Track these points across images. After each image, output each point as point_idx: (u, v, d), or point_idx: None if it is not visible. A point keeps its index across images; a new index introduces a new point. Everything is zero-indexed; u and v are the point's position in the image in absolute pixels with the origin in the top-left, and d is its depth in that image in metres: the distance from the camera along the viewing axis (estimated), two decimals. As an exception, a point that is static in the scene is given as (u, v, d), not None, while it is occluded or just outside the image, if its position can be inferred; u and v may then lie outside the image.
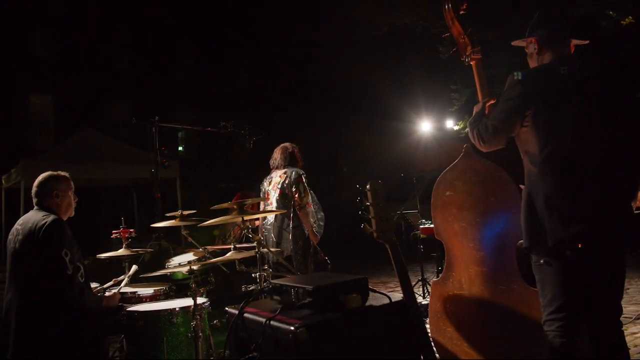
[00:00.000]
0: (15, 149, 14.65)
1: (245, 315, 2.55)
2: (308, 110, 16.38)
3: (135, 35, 17.93)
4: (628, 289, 6.36)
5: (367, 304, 2.47)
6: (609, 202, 2.56)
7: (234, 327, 2.56)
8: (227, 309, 2.71)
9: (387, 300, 2.48)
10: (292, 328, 2.18)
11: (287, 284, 2.54)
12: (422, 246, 7.23)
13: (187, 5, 16.49)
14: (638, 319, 5.08)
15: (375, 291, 2.59)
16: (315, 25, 14.09)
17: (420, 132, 13.29)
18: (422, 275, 6.93)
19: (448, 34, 3.58)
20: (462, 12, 3.49)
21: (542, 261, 2.63)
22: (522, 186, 2.83)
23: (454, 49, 3.57)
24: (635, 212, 4.08)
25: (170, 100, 17.13)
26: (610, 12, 9.03)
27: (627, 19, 9.06)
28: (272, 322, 2.33)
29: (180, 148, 19.42)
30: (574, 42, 2.85)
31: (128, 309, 3.55)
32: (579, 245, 2.51)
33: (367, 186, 2.53)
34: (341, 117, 16.44)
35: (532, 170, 2.69)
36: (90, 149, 10.41)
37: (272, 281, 2.70)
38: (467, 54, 3.44)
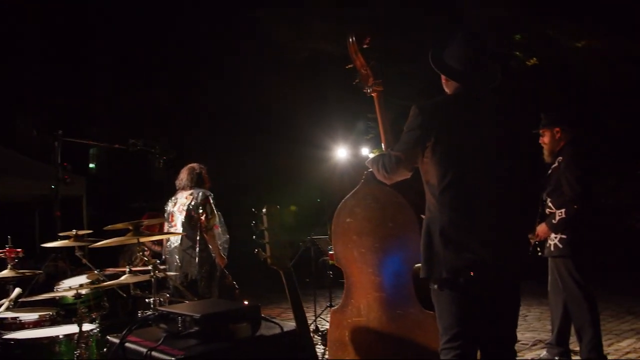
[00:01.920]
0: None
1: (127, 344, 2.38)
2: (225, 132, 16.17)
3: (50, 46, 17.16)
4: (527, 315, 6.59)
5: (258, 333, 2.37)
6: (504, 232, 2.61)
7: (114, 357, 2.38)
8: (108, 337, 2.53)
9: (279, 330, 2.38)
10: (174, 359, 2.05)
11: (174, 311, 2.40)
12: (331, 272, 7.22)
13: (105, 19, 15.99)
14: (535, 345, 5.24)
15: (268, 320, 2.50)
16: (234, 47, 14.00)
17: (336, 158, 13.41)
18: (331, 302, 6.88)
19: (351, 66, 3.67)
20: (365, 46, 3.61)
21: (438, 290, 2.64)
22: (423, 216, 2.86)
23: (357, 80, 3.66)
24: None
25: (85, 115, 16.44)
26: (517, 53, 9.57)
27: (532, 60, 9.63)
28: (153, 353, 2.18)
29: (91, 165, 18.62)
30: None
31: (4, 337, 3.25)
32: (472, 274, 2.54)
33: (263, 209, 2.46)
34: (257, 140, 16.32)
35: (431, 201, 2.72)
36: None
37: (159, 308, 2.55)
38: (369, 84, 3.58)
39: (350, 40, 3.61)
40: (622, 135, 11.56)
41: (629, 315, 6.98)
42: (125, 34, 15.36)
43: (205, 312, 2.29)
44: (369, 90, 3.59)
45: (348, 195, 3.49)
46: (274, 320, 2.51)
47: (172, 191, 5.41)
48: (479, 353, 2.74)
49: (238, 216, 5.57)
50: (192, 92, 15.26)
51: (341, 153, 12.97)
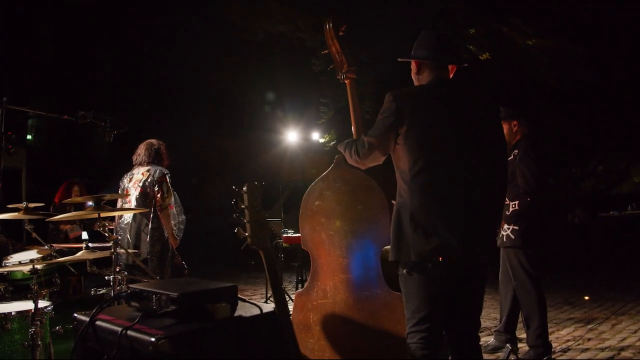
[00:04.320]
0: None
1: (98, 323, 2.27)
2: (172, 110, 15.76)
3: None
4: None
5: (237, 314, 2.32)
6: (472, 218, 2.65)
7: (83, 336, 2.28)
8: (75, 315, 2.41)
9: (257, 311, 2.34)
10: (153, 339, 1.97)
11: (149, 289, 2.31)
12: (282, 255, 7.23)
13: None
14: (481, 332, 5.40)
15: (245, 300, 2.45)
16: (185, 24, 13.60)
17: (287, 142, 13.37)
18: (281, 284, 6.89)
19: (327, 51, 3.70)
20: (341, 33, 3.65)
21: (406, 274, 2.67)
22: (394, 201, 2.88)
23: (332, 66, 3.72)
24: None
25: (24, 84, 15.63)
26: (471, 47, 9.76)
27: (484, 55, 9.85)
28: (129, 332, 2.09)
29: (29, 136, 17.79)
30: (453, 66, 2.95)
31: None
32: (440, 259, 2.58)
33: (244, 188, 2.40)
34: (206, 122, 15.99)
35: (402, 187, 2.74)
36: None
37: (132, 286, 2.45)
38: (343, 71, 3.63)
39: (327, 26, 3.63)
40: (563, 134, 12.03)
41: (566, 305, 7.31)
42: (72, 5, 14.68)
43: (182, 290, 2.22)
44: (342, 77, 3.62)
45: (317, 179, 3.47)
46: (250, 301, 2.46)
47: (114, 166, 5.24)
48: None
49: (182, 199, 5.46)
50: (138, 69, 14.77)
51: (292, 137, 12.97)
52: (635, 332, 5.56)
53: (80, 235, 6.19)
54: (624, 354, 4.70)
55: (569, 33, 9.61)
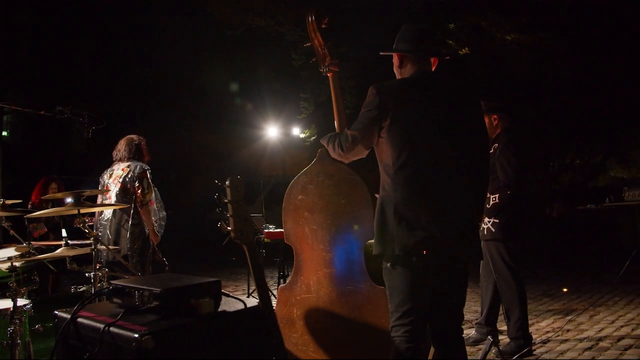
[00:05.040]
0: None
1: (79, 320, 2.24)
2: (152, 106, 15.59)
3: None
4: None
5: (221, 309, 2.30)
6: (455, 211, 2.66)
7: (65, 333, 2.24)
8: (56, 312, 2.37)
9: (241, 306, 2.33)
10: (136, 335, 1.95)
11: (131, 285, 2.28)
12: (264, 250, 7.21)
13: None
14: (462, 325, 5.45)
15: (229, 295, 2.44)
16: (165, 18, 13.44)
17: (267, 137, 13.32)
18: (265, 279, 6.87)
19: (309, 44, 3.68)
20: (324, 26, 3.63)
21: (390, 267, 2.68)
22: (377, 195, 2.88)
23: (314, 59, 3.70)
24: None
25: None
26: (451, 42, 9.80)
27: (463, 50, 9.90)
28: (112, 329, 2.06)
29: (4, 133, 17.49)
30: (435, 59, 2.95)
31: None
32: (424, 252, 2.59)
33: (227, 182, 2.37)
34: (186, 117, 15.85)
35: (386, 180, 2.74)
36: None
37: (113, 282, 2.42)
38: (326, 64, 3.59)
39: (310, 19, 3.60)
40: (541, 127, 12.15)
41: (546, 297, 7.41)
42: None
43: (165, 286, 2.20)
44: (325, 70, 3.59)
45: (301, 173, 3.46)
46: (234, 296, 2.44)
47: (93, 162, 5.18)
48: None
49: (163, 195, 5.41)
50: (118, 65, 14.57)
51: (272, 132, 12.93)
52: (613, 322, 5.65)
53: (46, 234, 6.10)
54: (601, 344, 4.78)
55: (547, 28, 9.70)
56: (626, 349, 4.57)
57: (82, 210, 3.37)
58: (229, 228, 2.36)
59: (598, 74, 11.33)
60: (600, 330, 5.30)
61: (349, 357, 3.20)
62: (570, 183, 15.67)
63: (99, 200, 4.98)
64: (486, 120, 4.75)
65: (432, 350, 2.94)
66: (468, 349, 4.69)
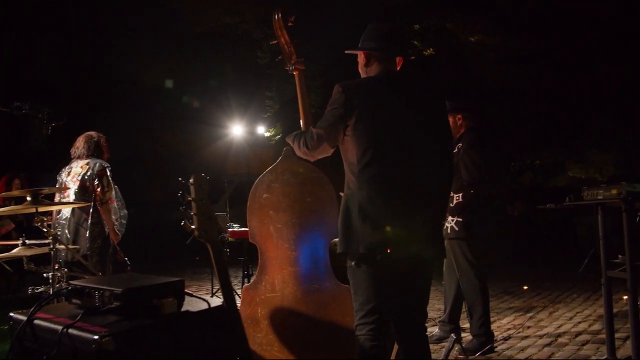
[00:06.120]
0: None
1: (36, 322, 2.16)
2: (113, 102, 15.26)
3: None
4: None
5: (184, 308, 2.26)
6: (419, 209, 2.68)
7: (21, 336, 2.16)
8: (11, 314, 2.29)
9: (205, 306, 2.29)
10: (96, 337, 1.89)
11: (91, 285, 2.22)
12: (228, 250, 7.15)
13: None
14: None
15: (192, 295, 2.39)
16: (127, 14, 13.15)
17: (232, 135, 13.20)
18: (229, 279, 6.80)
19: (275, 42, 3.67)
20: (290, 24, 3.64)
21: (354, 266, 2.68)
22: (342, 193, 2.87)
23: (280, 57, 3.70)
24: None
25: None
26: (416, 42, 9.88)
27: (429, 50, 9.99)
28: (70, 330, 2.00)
29: (-44, 130, 16.88)
30: (400, 58, 2.96)
31: None
32: (388, 250, 2.59)
33: (191, 179, 2.33)
34: (148, 114, 15.56)
35: (350, 179, 2.74)
36: None
37: (72, 282, 2.35)
38: (292, 62, 3.61)
39: (276, 16, 3.60)
40: (503, 128, 12.36)
41: (507, 294, 7.54)
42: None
43: (127, 286, 2.14)
44: (291, 68, 3.61)
45: (266, 171, 3.43)
46: (198, 295, 2.40)
47: (51, 161, 5.05)
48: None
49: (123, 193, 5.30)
50: (78, 61, 14.20)
51: (237, 130, 12.82)
52: (571, 318, 5.78)
53: (12, 231, 5.94)
54: (560, 340, 4.88)
55: (510, 30, 9.86)
56: (583, 344, 4.68)
57: (41, 209, 3.27)
58: (192, 226, 2.32)
59: (556, 77, 11.58)
60: (559, 327, 5.41)
61: (314, 356, 3.19)
62: (531, 183, 15.99)
63: (56, 199, 4.84)
64: (451, 119, 4.79)
65: (395, 348, 2.96)
66: (431, 346, 4.72)
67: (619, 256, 3.86)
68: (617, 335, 4.49)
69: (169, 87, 14.60)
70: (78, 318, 2.06)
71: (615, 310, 4.42)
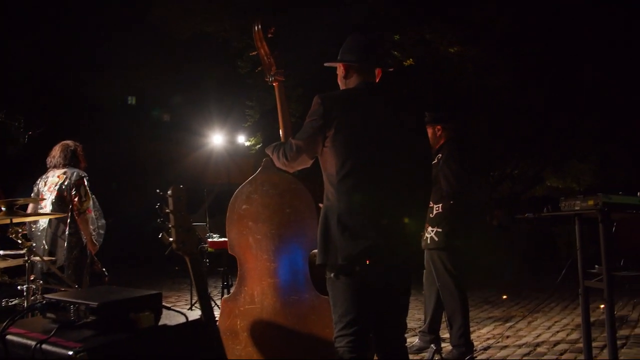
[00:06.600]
0: None
1: (8, 337, 2.12)
2: (91, 111, 15.13)
3: None
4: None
5: (162, 322, 2.23)
6: (398, 221, 2.68)
7: (-7, 351, 2.12)
8: (-17, 329, 2.23)
9: (183, 319, 2.26)
10: (71, 353, 1.85)
11: (66, 299, 2.18)
12: (207, 260, 7.08)
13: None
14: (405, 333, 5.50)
15: (170, 309, 2.36)
16: (109, 24, 13.07)
17: (212, 145, 13.15)
18: (208, 291, 6.74)
19: (255, 53, 3.68)
20: (270, 36, 3.65)
21: (333, 277, 2.67)
22: (321, 205, 2.87)
23: (260, 68, 3.71)
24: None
25: None
26: (396, 52, 9.96)
27: (408, 61, 10.08)
28: (44, 346, 1.95)
29: None
30: (379, 70, 2.97)
31: None
32: (367, 261, 2.59)
33: (169, 191, 2.31)
34: (128, 123, 15.44)
35: (329, 190, 2.74)
36: None
37: (47, 296, 2.30)
38: (272, 73, 3.62)
39: (256, 28, 3.61)
40: (482, 139, 12.48)
41: (486, 304, 7.58)
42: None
43: (102, 300, 2.11)
44: (270, 79, 3.62)
45: (245, 182, 3.42)
46: (175, 309, 2.37)
47: (29, 169, 4.97)
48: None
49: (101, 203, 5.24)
50: (57, 69, 14.05)
51: (217, 140, 12.78)
52: (549, 328, 5.83)
53: None
54: (539, 349, 4.91)
55: (489, 41, 9.99)
56: (562, 354, 4.72)
57: (15, 220, 3.21)
58: (170, 239, 2.29)
59: (533, 89, 11.75)
60: (537, 336, 5.45)
61: (293, 369, 3.17)
62: (510, 193, 16.16)
63: (29, 210, 4.76)
64: (430, 130, 4.82)
65: (375, 359, 2.95)
66: (411, 357, 4.73)
67: (596, 266, 3.91)
68: (594, 344, 4.54)
69: (149, 96, 14.53)
70: (52, 333, 2.02)
71: (592, 319, 4.47)
